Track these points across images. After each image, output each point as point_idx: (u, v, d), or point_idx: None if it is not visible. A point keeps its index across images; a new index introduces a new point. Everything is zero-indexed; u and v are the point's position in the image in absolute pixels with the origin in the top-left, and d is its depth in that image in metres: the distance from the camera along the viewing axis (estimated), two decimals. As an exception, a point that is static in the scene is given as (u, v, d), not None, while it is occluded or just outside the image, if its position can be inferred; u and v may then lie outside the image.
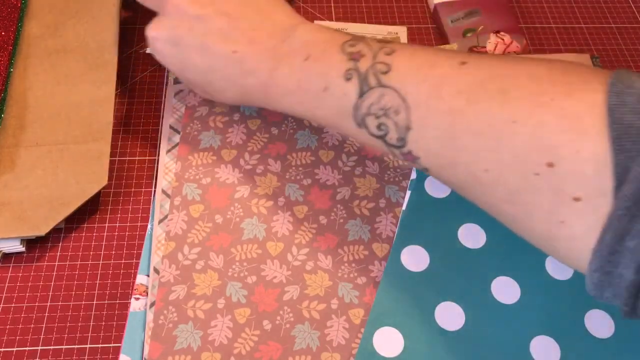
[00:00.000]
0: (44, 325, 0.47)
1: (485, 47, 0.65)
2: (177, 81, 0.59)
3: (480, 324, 0.46)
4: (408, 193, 0.52)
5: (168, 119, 0.56)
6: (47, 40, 0.57)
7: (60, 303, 0.48)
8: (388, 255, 0.50)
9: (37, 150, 0.51)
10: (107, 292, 0.49)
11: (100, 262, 0.50)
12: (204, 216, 0.50)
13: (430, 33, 0.68)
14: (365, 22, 0.69)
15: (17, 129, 0.52)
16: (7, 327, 0.47)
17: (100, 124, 0.53)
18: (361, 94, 0.40)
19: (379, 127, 0.40)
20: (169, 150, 0.54)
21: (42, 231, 0.48)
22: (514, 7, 0.72)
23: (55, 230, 0.51)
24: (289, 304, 0.47)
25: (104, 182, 0.51)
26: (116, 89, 0.60)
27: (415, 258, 0.48)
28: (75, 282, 0.49)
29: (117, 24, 0.59)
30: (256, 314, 0.47)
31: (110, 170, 0.55)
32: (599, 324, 0.46)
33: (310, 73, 0.43)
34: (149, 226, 0.51)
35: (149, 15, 0.50)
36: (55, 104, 0.54)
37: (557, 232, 0.35)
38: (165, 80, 0.60)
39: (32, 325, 0.47)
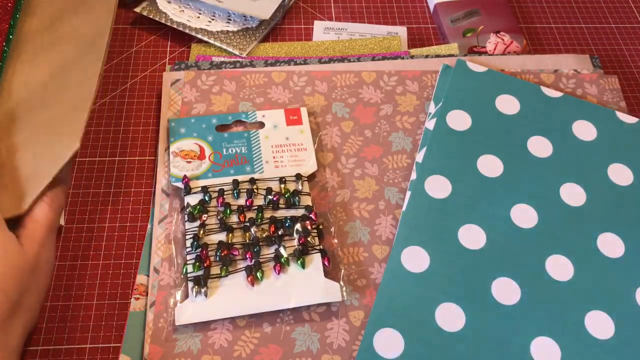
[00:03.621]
0: (44, 325, 0.47)
1: (485, 47, 0.65)
2: (173, 69, 0.60)
3: (481, 325, 0.46)
4: (408, 194, 0.52)
5: (166, 113, 0.56)
6: (43, 34, 0.57)
7: (60, 303, 0.48)
8: (388, 257, 0.50)
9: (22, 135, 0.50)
10: (107, 292, 0.49)
11: (100, 262, 0.50)
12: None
13: (430, 33, 0.68)
14: (365, 22, 0.69)
15: (9, 123, 0.51)
16: (7, 327, 0.47)
17: (82, 98, 0.51)
18: None
19: None
20: (166, 148, 0.54)
21: (22, 209, 0.46)
22: (514, 7, 0.72)
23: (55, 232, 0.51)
24: (289, 305, 0.47)
25: (76, 145, 0.48)
26: (115, 87, 0.60)
27: (415, 259, 0.48)
28: (76, 282, 0.49)
29: (113, 15, 0.58)
30: (256, 317, 0.47)
31: (110, 170, 0.55)
32: (599, 325, 0.47)
33: None
34: (149, 226, 0.51)
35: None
36: (48, 93, 0.53)
37: None
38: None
39: (32, 326, 0.47)
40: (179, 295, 0.47)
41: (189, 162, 0.53)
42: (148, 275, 0.49)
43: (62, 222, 0.51)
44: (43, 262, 0.43)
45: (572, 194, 0.52)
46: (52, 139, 0.49)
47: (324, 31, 0.67)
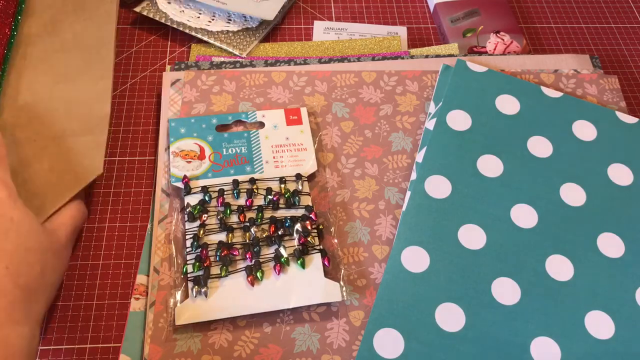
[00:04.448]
0: (44, 325, 0.47)
1: (485, 47, 0.65)
2: (173, 69, 0.60)
3: (481, 325, 0.46)
4: (408, 194, 0.52)
5: (166, 113, 0.56)
6: (45, 39, 0.57)
7: (60, 303, 0.48)
8: (388, 257, 0.50)
9: (34, 145, 0.51)
10: (107, 292, 0.49)
11: (100, 262, 0.50)
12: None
13: (430, 33, 0.68)
14: (365, 22, 0.69)
15: (15, 127, 0.52)
16: (7, 327, 0.47)
17: (98, 118, 0.53)
18: None
19: None
20: (167, 148, 0.54)
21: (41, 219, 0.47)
22: (514, 7, 0.72)
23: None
24: (289, 305, 0.47)
25: (100, 170, 0.50)
26: (115, 87, 0.60)
27: (415, 259, 0.48)
28: (75, 282, 0.49)
29: (115, 22, 0.59)
30: (256, 317, 0.47)
31: (110, 170, 0.55)
32: (599, 325, 0.47)
33: None
34: (148, 226, 0.51)
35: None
36: (54, 101, 0.54)
37: None
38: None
39: (32, 326, 0.47)
40: (179, 295, 0.47)
41: (189, 162, 0.52)
42: (148, 275, 0.49)
43: None
44: (65, 251, 0.46)
45: (572, 194, 0.52)
46: (79, 162, 0.50)
47: (324, 31, 0.67)
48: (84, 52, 0.57)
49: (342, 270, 0.49)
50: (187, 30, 0.63)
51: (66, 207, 0.48)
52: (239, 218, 0.50)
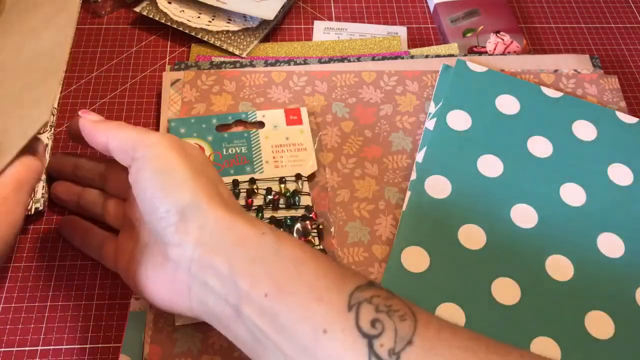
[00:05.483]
0: (44, 325, 0.47)
1: (485, 47, 0.65)
2: (173, 69, 0.60)
3: (481, 325, 0.46)
4: (408, 194, 0.52)
5: (166, 113, 0.56)
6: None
7: (60, 303, 0.48)
8: (388, 257, 0.50)
9: None
10: (107, 292, 0.49)
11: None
12: None
13: (430, 33, 0.68)
14: (365, 22, 0.69)
15: None
16: (7, 327, 0.47)
17: (51, 66, 0.47)
18: None
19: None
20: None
21: None
22: (514, 7, 0.72)
23: (56, 230, 0.51)
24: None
25: (45, 118, 0.43)
26: (115, 87, 0.60)
27: (415, 259, 0.48)
28: (75, 282, 0.49)
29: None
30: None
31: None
32: (599, 324, 0.47)
33: None
34: (148, 226, 0.51)
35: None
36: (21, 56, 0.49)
37: None
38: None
39: (32, 325, 0.47)
40: None
41: None
42: (148, 275, 0.48)
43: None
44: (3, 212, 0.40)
45: (572, 194, 0.52)
46: (20, 113, 0.44)
47: (324, 31, 0.67)
48: (43, 7, 0.51)
49: None
50: (187, 30, 0.63)
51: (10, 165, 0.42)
52: None
